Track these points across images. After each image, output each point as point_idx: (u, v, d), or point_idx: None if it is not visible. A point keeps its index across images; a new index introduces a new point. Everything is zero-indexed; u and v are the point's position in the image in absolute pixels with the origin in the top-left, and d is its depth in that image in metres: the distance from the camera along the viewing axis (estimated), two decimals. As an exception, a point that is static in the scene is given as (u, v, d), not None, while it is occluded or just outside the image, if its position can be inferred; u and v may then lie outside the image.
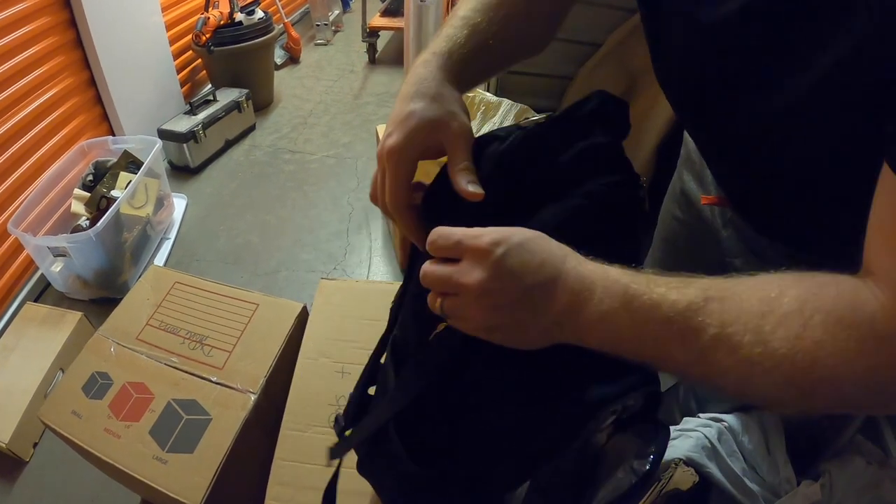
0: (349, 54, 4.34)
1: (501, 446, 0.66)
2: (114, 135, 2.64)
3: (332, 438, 0.79)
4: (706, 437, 0.92)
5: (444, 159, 0.60)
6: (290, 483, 0.98)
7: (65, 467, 1.63)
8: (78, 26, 2.39)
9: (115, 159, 2.34)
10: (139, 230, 2.25)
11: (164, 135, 2.76)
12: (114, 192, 2.21)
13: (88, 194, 2.23)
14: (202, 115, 2.89)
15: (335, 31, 4.64)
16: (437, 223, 0.56)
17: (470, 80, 0.65)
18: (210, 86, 3.26)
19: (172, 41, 3.06)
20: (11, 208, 2.09)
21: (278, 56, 4.01)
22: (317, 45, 4.48)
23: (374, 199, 0.63)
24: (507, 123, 2.00)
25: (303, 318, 1.28)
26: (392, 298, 0.72)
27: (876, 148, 0.42)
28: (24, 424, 1.64)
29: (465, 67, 0.63)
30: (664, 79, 0.68)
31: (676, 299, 0.46)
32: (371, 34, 4.05)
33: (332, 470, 0.83)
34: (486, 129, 1.97)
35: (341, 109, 3.55)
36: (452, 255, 0.51)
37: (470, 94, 2.10)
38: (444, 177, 0.60)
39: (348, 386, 0.78)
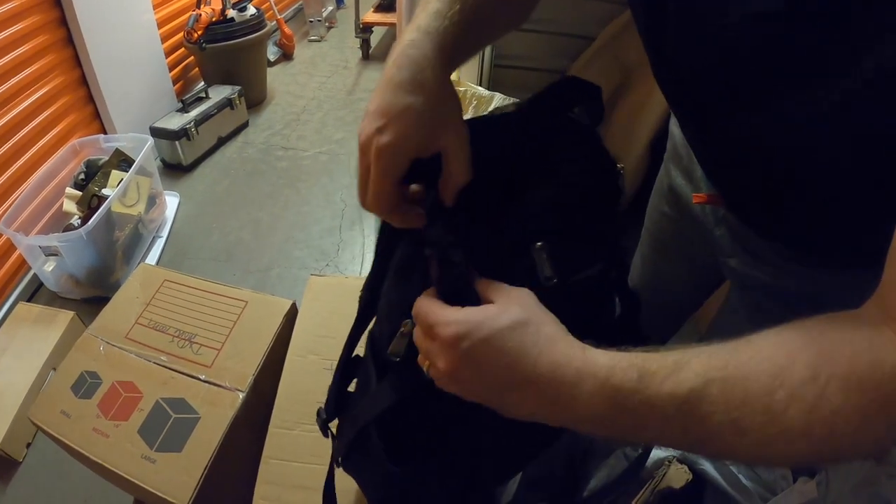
0: (343, 50, 4.32)
1: (490, 442, 0.65)
2: (106, 133, 2.63)
3: (321, 436, 0.79)
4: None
5: None
6: (278, 481, 0.97)
7: (58, 468, 1.62)
8: (69, 24, 2.37)
9: (106, 158, 2.33)
10: (131, 229, 2.24)
11: (157, 132, 2.75)
12: (105, 191, 2.20)
13: (80, 193, 2.22)
14: (194, 113, 2.88)
15: (329, 28, 4.62)
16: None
17: (461, 60, 0.60)
18: (202, 83, 3.25)
19: (164, 38, 3.04)
20: (3, 208, 2.07)
21: (271, 53, 3.99)
22: (310, 41, 4.46)
23: (364, 205, 0.56)
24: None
25: (292, 315, 1.28)
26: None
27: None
28: (17, 425, 1.63)
29: (458, 47, 0.57)
30: (666, 78, 0.65)
31: (673, 392, 0.42)
32: (364, 30, 4.04)
33: (321, 468, 0.83)
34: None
35: (335, 106, 3.54)
36: (429, 336, 0.50)
37: (461, 88, 2.09)
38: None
39: (337, 383, 0.77)
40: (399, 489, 0.66)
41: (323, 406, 0.77)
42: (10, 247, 2.13)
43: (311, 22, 4.46)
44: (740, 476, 1.06)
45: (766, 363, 0.41)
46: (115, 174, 2.26)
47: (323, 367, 1.11)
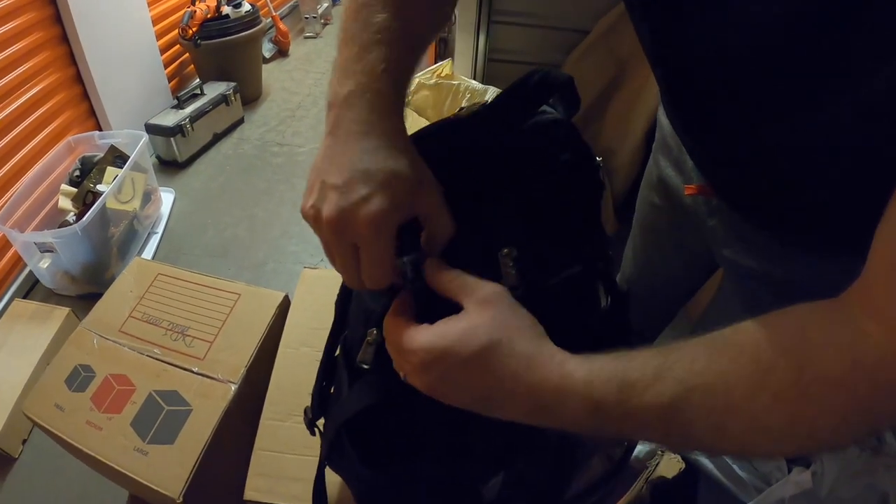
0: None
1: (468, 442, 0.65)
2: (100, 130, 2.62)
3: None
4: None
5: None
6: (269, 473, 0.97)
7: (53, 464, 1.62)
8: (63, 22, 2.37)
9: (101, 154, 2.33)
10: (126, 225, 2.24)
11: (152, 129, 2.74)
12: (100, 187, 2.20)
13: (75, 190, 2.22)
14: (189, 109, 2.87)
15: (324, 24, 4.61)
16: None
17: (405, 95, 0.54)
18: (197, 79, 3.24)
19: (159, 35, 3.03)
20: (-2, 205, 2.08)
21: (267, 49, 3.98)
22: (306, 38, 4.46)
23: (360, 285, 0.51)
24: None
25: (284, 307, 1.28)
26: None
27: None
28: (13, 421, 1.63)
29: (404, 86, 0.53)
30: (670, 75, 0.63)
31: (654, 402, 0.42)
32: (360, 26, 4.01)
33: (313, 460, 0.83)
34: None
35: (331, 102, 3.52)
36: (400, 356, 0.49)
37: (455, 82, 2.09)
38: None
39: (329, 375, 0.78)
40: (374, 491, 0.66)
41: (309, 405, 0.78)
42: (6, 244, 2.13)
43: (306, 19, 4.45)
44: (734, 466, 1.06)
45: (749, 366, 0.41)
46: (111, 171, 2.25)
47: (315, 359, 1.09)
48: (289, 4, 4.75)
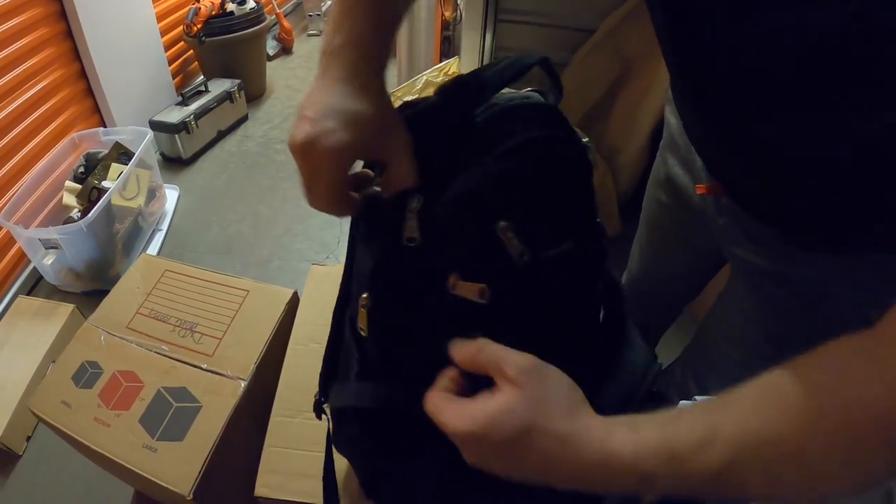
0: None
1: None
2: (105, 126, 2.62)
3: (323, 425, 0.79)
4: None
5: None
6: (280, 470, 0.97)
7: (58, 461, 1.62)
8: (68, 17, 2.36)
9: (106, 151, 2.33)
10: (131, 221, 2.23)
11: (156, 126, 2.74)
12: (105, 184, 2.20)
13: (80, 186, 2.22)
14: (194, 106, 2.87)
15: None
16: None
17: (387, 59, 0.58)
18: (202, 77, 3.23)
19: (163, 32, 3.03)
20: (3, 201, 2.07)
21: (270, 47, 3.98)
22: (309, 35, 4.45)
23: (315, 205, 0.55)
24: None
25: (293, 304, 1.27)
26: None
27: None
28: (17, 418, 1.63)
29: (388, 42, 0.57)
30: (694, 78, 0.63)
31: (706, 468, 0.41)
32: (364, 24, 4.01)
33: (322, 456, 0.83)
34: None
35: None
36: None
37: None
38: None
39: (338, 372, 0.77)
40: (379, 468, 0.66)
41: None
42: (10, 240, 2.13)
43: (310, 16, 4.45)
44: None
45: (798, 417, 0.40)
46: (115, 167, 2.25)
47: (325, 356, 1.10)
48: (292, 2, 4.75)
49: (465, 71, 2.15)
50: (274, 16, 3.94)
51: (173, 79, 3.15)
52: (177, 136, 2.77)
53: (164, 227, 2.46)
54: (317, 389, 0.79)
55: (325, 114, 0.51)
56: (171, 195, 2.60)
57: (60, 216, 2.24)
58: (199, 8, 3.00)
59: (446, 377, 0.52)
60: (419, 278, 0.54)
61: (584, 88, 2.20)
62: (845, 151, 0.49)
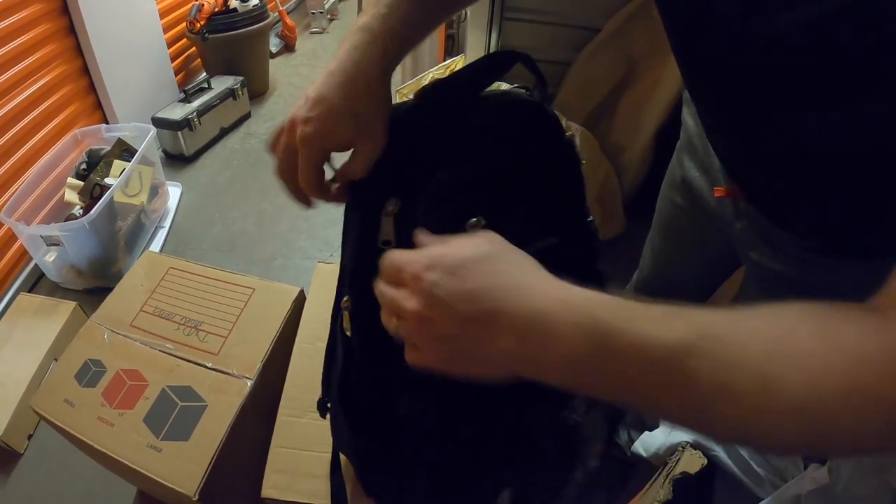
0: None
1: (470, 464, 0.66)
2: (107, 123, 2.61)
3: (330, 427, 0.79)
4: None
5: None
6: (287, 470, 0.96)
7: (59, 459, 1.61)
8: (71, 13, 2.35)
9: (108, 147, 2.31)
10: (133, 218, 2.22)
11: (159, 123, 2.72)
12: (107, 180, 2.19)
13: (82, 183, 2.20)
14: (197, 103, 2.85)
15: (331, 20, 4.59)
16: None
17: (402, 57, 0.62)
18: (204, 73, 3.22)
19: (166, 28, 3.02)
20: (4, 198, 2.05)
21: (273, 44, 3.96)
22: (312, 33, 4.44)
23: (284, 175, 0.62)
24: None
25: (300, 302, 1.26)
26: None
27: None
28: (19, 416, 1.62)
29: (402, 48, 0.60)
30: (706, 80, 0.62)
31: (661, 337, 0.38)
32: (367, 22, 4.00)
33: (329, 456, 0.83)
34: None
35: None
36: (398, 282, 0.46)
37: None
38: None
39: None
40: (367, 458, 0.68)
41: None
42: (12, 237, 2.11)
43: (312, 14, 4.43)
44: (752, 463, 1.06)
45: (767, 326, 0.38)
46: (118, 164, 2.24)
47: (331, 355, 1.10)
48: (295, -1, 4.75)
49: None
50: (277, 13, 3.94)
51: (176, 75, 3.14)
52: (179, 132, 2.76)
53: (167, 224, 2.45)
54: (323, 389, 0.79)
55: (314, 99, 0.56)
56: (173, 192, 2.59)
57: (62, 213, 2.22)
58: (203, 4, 2.98)
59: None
60: None
61: (589, 87, 2.19)
62: (845, 151, 0.49)
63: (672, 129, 2.02)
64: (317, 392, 1.05)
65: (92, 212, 1.91)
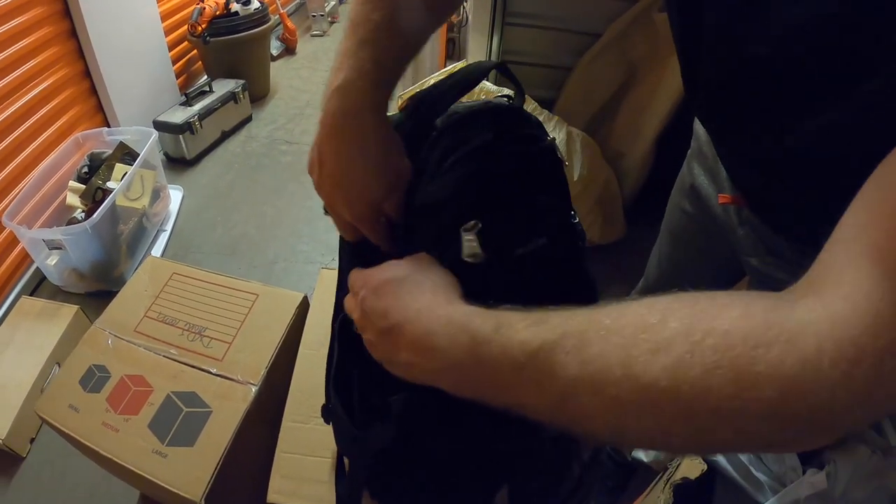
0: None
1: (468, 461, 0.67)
2: (108, 126, 2.61)
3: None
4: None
5: None
6: (293, 475, 0.96)
7: (62, 463, 1.61)
8: (72, 17, 2.35)
9: (110, 151, 2.31)
10: (135, 222, 2.22)
11: (160, 126, 2.72)
12: (109, 184, 2.19)
13: (83, 186, 2.21)
14: (198, 107, 2.86)
15: (331, 23, 4.60)
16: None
17: (395, 85, 0.62)
18: (206, 77, 3.22)
19: (168, 32, 3.02)
20: (6, 201, 2.06)
21: (274, 47, 3.97)
22: (313, 36, 4.44)
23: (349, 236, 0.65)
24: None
25: (304, 308, 1.26)
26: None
27: None
28: (21, 420, 1.62)
29: (391, 82, 0.61)
30: (702, 94, 0.64)
31: (527, 340, 0.40)
32: (367, 25, 4.01)
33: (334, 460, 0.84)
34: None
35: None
36: (354, 294, 0.55)
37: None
38: None
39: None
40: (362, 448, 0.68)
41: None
42: (13, 240, 2.11)
43: (313, 17, 4.44)
44: (752, 468, 1.06)
45: (633, 318, 0.38)
46: (119, 167, 2.24)
47: (336, 361, 1.10)
48: (296, 2, 4.75)
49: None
50: (277, 16, 3.94)
51: (177, 79, 3.15)
52: (181, 136, 2.76)
53: (168, 227, 2.45)
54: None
55: (333, 170, 0.59)
56: (175, 196, 2.59)
57: (64, 216, 2.23)
58: (204, 8, 2.99)
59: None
60: None
61: (590, 92, 2.20)
62: (840, 154, 0.49)
63: (672, 135, 2.03)
64: (322, 398, 1.05)
65: (95, 215, 1.92)
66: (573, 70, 2.20)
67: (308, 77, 3.81)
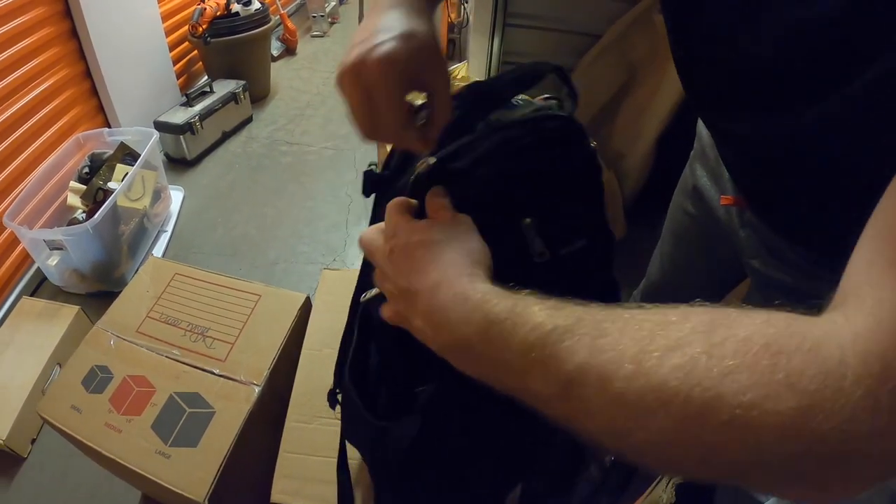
0: (345, 46, 4.26)
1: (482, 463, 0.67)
2: (109, 127, 2.61)
3: (339, 430, 0.80)
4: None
5: None
6: (296, 475, 0.97)
7: (63, 464, 1.61)
8: (73, 17, 2.35)
9: (111, 151, 2.31)
10: (136, 223, 2.22)
11: (161, 126, 2.72)
12: (110, 185, 2.19)
13: (84, 187, 2.21)
14: (199, 107, 2.86)
15: (331, 23, 4.60)
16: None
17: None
18: (206, 77, 3.23)
19: (168, 32, 3.02)
20: (7, 202, 2.06)
21: (274, 48, 3.97)
22: (313, 36, 4.44)
23: (372, 133, 0.53)
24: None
25: (306, 308, 1.27)
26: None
27: None
28: (22, 420, 1.62)
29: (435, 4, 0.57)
30: (700, 97, 0.65)
31: (540, 323, 0.39)
32: (367, 26, 4.01)
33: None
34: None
35: (338, 101, 3.44)
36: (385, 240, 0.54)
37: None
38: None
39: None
40: (382, 440, 0.68)
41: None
42: (14, 241, 2.11)
43: (313, 17, 4.44)
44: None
45: (653, 314, 0.36)
46: (121, 168, 2.24)
47: (339, 361, 1.10)
48: (296, 2, 4.76)
49: (473, 75, 2.15)
50: (278, 17, 3.94)
51: (178, 79, 3.15)
52: (181, 136, 2.76)
53: (169, 228, 2.45)
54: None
55: (375, 32, 0.49)
56: (175, 196, 2.59)
57: (65, 217, 2.23)
58: (205, 8, 2.99)
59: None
60: None
61: (590, 93, 2.19)
62: (837, 154, 0.50)
63: (673, 136, 2.02)
64: (325, 398, 1.05)
65: (96, 216, 1.92)
66: (573, 71, 2.20)
67: (308, 78, 3.81)
